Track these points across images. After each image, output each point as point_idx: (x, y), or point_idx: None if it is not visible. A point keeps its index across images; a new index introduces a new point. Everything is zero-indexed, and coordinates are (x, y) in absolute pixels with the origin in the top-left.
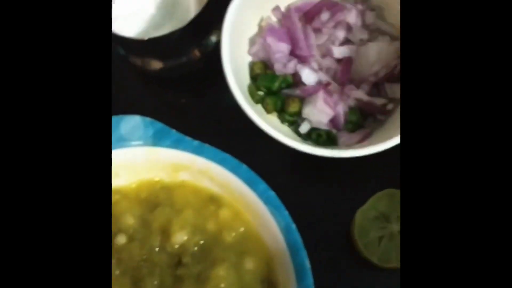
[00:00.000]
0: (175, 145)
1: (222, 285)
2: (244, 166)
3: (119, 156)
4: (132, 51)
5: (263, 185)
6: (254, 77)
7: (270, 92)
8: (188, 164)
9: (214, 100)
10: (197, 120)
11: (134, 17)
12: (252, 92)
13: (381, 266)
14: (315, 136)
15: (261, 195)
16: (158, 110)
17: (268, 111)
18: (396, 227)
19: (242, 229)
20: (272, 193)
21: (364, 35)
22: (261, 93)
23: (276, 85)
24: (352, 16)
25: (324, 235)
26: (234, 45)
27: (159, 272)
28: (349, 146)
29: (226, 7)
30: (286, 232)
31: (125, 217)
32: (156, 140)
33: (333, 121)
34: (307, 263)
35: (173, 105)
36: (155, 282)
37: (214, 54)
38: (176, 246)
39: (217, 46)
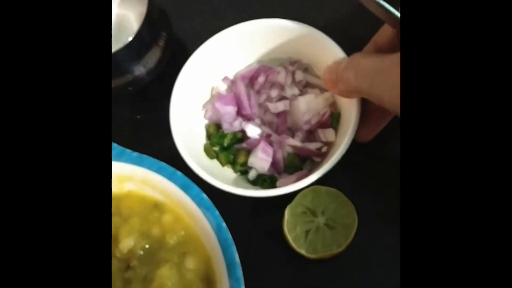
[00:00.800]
0: (118, 157)
1: (166, 283)
2: (179, 173)
3: None
4: None
5: (196, 189)
6: (209, 137)
7: (222, 148)
8: (130, 175)
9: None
10: (153, 135)
11: None
12: (208, 150)
13: (309, 257)
14: (261, 181)
15: (194, 198)
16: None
17: (222, 164)
18: (321, 220)
19: (182, 232)
20: (204, 196)
21: (295, 91)
22: (216, 149)
23: (226, 141)
24: (281, 77)
25: (258, 233)
26: (185, 110)
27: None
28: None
29: (165, 22)
30: (217, 231)
31: None
32: None
33: (274, 166)
34: (237, 258)
35: (128, 120)
36: None
37: (157, 71)
38: (125, 252)
39: (159, 62)
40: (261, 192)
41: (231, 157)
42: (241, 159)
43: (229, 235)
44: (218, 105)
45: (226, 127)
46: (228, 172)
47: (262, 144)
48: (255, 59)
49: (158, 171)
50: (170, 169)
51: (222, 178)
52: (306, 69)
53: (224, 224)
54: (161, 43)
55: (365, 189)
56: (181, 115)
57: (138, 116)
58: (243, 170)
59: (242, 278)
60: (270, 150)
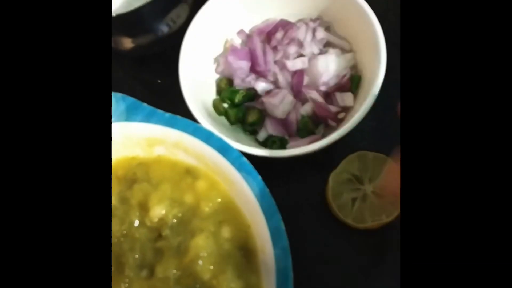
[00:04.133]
0: (148, 118)
1: (202, 254)
2: (216, 135)
3: None
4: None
5: (235, 153)
6: (219, 92)
7: (233, 105)
8: (162, 138)
9: None
10: (174, 99)
11: None
12: (217, 105)
13: (355, 227)
14: (270, 142)
15: (233, 162)
16: (135, 91)
17: (231, 122)
18: (368, 187)
19: (219, 199)
20: (244, 160)
21: (315, 49)
22: (225, 105)
23: (237, 97)
24: (301, 33)
25: (301, 200)
26: (196, 63)
27: (139, 247)
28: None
29: None
30: (260, 197)
31: None
32: (129, 115)
33: (286, 128)
34: (282, 226)
35: (148, 85)
36: (137, 256)
37: (183, 32)
38: (155, 220)
39: (185, 24)
40: (271, 152)
41: (241, 115)
42: (251, 118)
43: (273, 201)
44: (231, 58)
45: (238, 82)
46: (237, 131)
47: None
48: (274, 13)
49: (193, 133)
50: (207, 131)
51: (230, 136)
52: (328, 27)
53: (267, 190)
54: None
55: None
56: (191, 66)
57: (159, 81)
58: (253, 130)
59: (288, 247)
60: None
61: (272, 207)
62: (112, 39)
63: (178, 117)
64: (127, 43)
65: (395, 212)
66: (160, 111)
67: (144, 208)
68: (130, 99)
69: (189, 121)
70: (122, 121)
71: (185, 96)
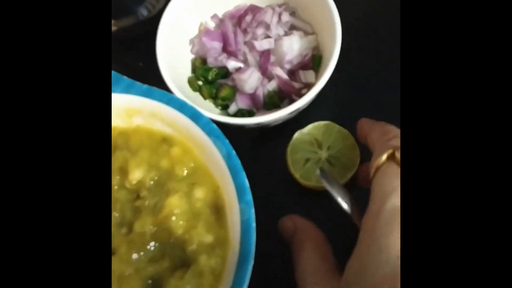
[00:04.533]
0: (127, 90)
1: (176, 211)
2: (188, 104)
3: None
4: None
5: (205, 119)
6: (194, 70)
7: (206, 82)
8: (140, 108)
9: None
10: (154, 80)
11: None
12: (192, 82)
13: (301, 183)
14: (240, 115)
15: (204, 127)
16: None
17: (204, 97)
18: (324, 154)
19: (192, 164)
20: (213, 125)
21: (280, 31)
22: (200, 83)
23: (211, 74)
24: (268, 16)
25: (267, 167)
26: (172, 45)
27: (119, 207)
28: None
29: None
30: (227, 158)
31: None
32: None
33: (254, 101)
34: (246, 183)
35: (130, 68)
36: (117, 215)
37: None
38: (134, 182)
39: (164, 8)
40: (239, 119)
41: (214, 91)
42: (223, 93)
43: (238, 162)
44: (204, 39)
45: (211, 61)
46: (210, 105)
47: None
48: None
49: (168, 102)
50: (180, 100)
51: (204, 110)
52: (293, 12)
53: (233, 152)
54: None
55: None
56: (168, 48)
57: (141, 64)
58: (224, 105)
59: (252, 201)
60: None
61: (237, 167)
62: None
63: (155, 88)
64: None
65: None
66: (138, 83)
67: (123, 172)
68: (112, 72)
69: (165, 92)
70: None
71: (163, 74)
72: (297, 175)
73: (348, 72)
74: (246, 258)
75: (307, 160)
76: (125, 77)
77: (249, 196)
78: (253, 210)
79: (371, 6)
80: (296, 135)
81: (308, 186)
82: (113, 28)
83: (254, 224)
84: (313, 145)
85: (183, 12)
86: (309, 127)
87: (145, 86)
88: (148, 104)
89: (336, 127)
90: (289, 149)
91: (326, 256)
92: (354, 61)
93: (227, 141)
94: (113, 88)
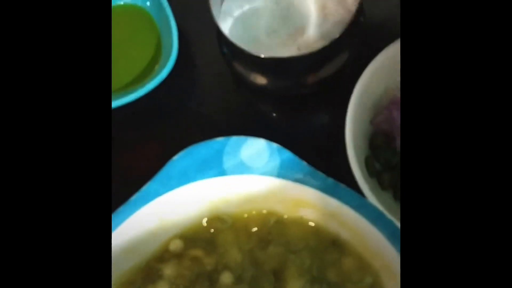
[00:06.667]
0: (304, 180)
1: None
2: (387, 216)
3: (236, 183)
4: (238, 60)
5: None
6: (373, 148)
7: (387, 167)
8: (316, 204)
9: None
10: (308, 142)
11: (245, 18)
12: (369, 164)
13: None
14: None
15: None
16: (266, 127)
17: (383, 188)
18: None
19: (370, 280)
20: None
21: None
22: (377, 165)
23: (395, 160)
24: None
25: None
26: (358, 115)
27: None
28: None
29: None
30: None
31: (232, 251)
32: (282, 171)
33: None
34: None
35: (281, 123)
36: None
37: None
38: None
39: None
40: None
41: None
42: None
43: None
44: (396, 114)
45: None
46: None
47: None
48: None
49: (358, 208)
50: (377, 210)
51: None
52: None
53: None
54: None
55: None
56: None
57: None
58: None
59: None
60: None
61: None
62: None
63: (342, 185)
64: (260, 80)
65: None
66: (321, 174)
67: (279, 277)
68: (287, 154)
69: (355, 194)
70: (274, 176)
71: (350, 158)
72: None
73: None
74: None
75: None
76: (304, 163)
77: None
78: None
79: None
80: None
81: None
82: (263, 82)
83: None
84: None
85: (375, 76)
86: None
87: (330, 180)
88: (330, 203)
89: None
90: None
91: None
92: None
93: None
94: (287, 174)
